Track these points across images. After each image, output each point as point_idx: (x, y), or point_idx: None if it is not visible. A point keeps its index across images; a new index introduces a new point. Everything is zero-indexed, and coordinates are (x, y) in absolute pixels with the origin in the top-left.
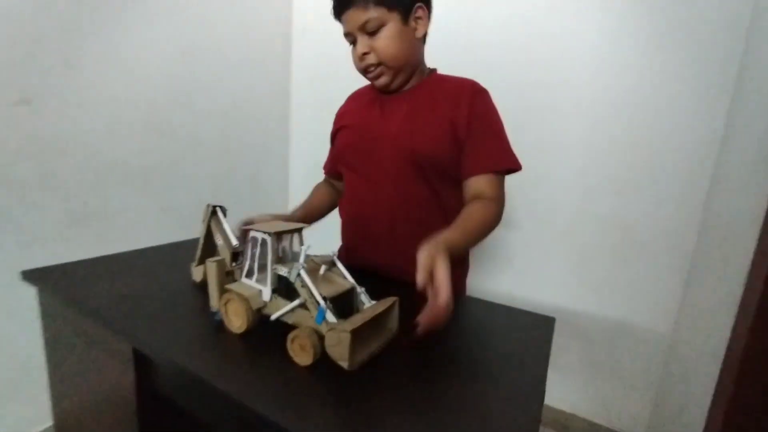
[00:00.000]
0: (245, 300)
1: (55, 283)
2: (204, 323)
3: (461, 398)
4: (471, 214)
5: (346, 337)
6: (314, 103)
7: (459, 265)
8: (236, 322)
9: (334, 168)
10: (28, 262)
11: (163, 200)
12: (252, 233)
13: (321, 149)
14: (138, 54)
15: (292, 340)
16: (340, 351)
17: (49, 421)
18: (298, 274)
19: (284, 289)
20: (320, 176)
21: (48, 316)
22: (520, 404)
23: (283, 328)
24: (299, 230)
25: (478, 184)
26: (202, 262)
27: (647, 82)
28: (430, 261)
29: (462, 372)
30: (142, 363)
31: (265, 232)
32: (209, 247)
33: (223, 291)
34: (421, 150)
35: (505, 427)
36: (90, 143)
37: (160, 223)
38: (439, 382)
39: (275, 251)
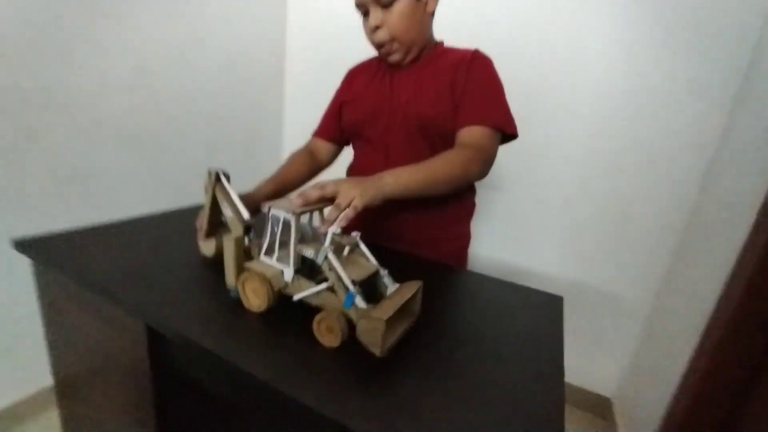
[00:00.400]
0: (266, 280)
1: (52, 254)
2: (219, 300)
3: (484, 379)
4: (440, 158)
5: (381, 325)
6: (310, 65)
7: (460, 237)
8: (255, 301)
9: (331, 134)
10: (13, 225)
11: (155, 162)
12: (273, 211)
13: (316, 112)
14: (130, 5)
15: (319, 323)
16: (372, 338)
17: (43, 382)
18: (326, 257)
19: (308, 269)
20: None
21: (46, 288)
22: (543, 385)
23: (302, 307)
24: (321, 208)
25: (462, 134)
26: (210, 234)
27: (657, 65)
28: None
29: (481, 352)
30: (155, 339)
31: (287, 212)
32: (216, 217)
33: (240, 269)
34: (427, 116)
35: (534, 408)
36: (76, 99)
37: (151, 186)
38: (461, 361)
39: (298, 231)
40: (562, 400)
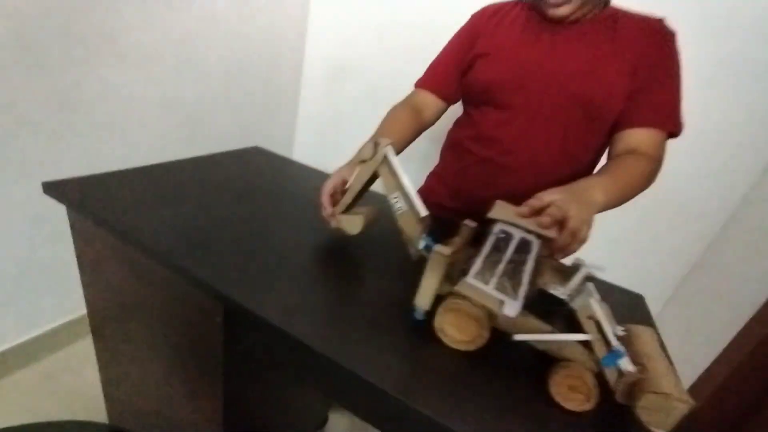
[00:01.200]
0: (485, 314)
1: (93, 206)
2: (364, 305)
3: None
4: (629, 168)
5: (684, 410)
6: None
7: None
8: (458, 334)
9: (447, 87)
10: (15, 152)
11: (168, 88)
12: (502, 226)
13: (340, 43)
14: None
15: (563, 379)
16: (662, 419)
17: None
18: (585, 304)
19: (543, 308)
20: (338, 77)
21: (83, 239)
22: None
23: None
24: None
25: (639, 136)
26: (349, 209)
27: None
28: (565, 219)
29: None
30: (233, 322)
31: (530, 232)
32: (360, 194)
33: (443, 290)
34: (599, 101)
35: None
36: (76, 6)
37: (165, 116)
38: None
39: (538, 258)
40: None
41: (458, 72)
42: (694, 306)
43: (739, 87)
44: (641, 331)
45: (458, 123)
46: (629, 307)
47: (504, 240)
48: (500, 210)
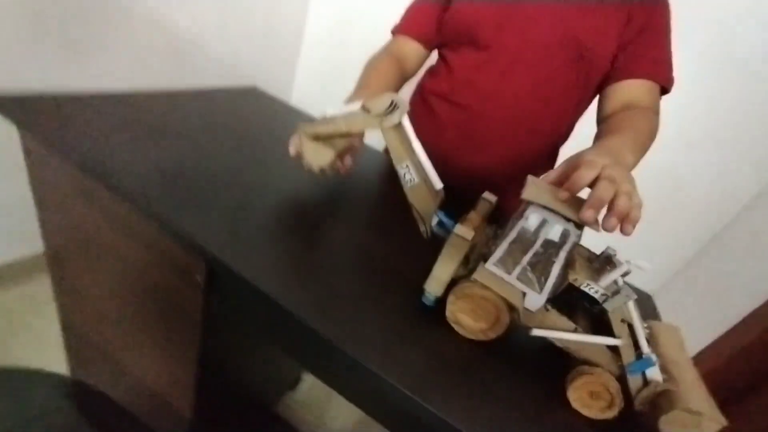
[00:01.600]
0: (506, 305)
1: (49, 129)
2: (354, 265)
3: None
4: (641, 125)
5: (714, 430)
6: None
7: None
8: (475, 323)
9: (428, 32)
10: None
11: (157, 5)
12: (534, 209)
13: None
14: None
15: (582, 385)
16: None
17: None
18: (622, 307)
19: (565, 302)
20: (346, 18)
21: (44, 174)
22: None
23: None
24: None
25: (637, 88)
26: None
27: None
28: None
29: None
30: (215, 281)
31: (568, 220)
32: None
33: (457, 273)
34: (589, 39)
35: None
36: None
37: (151, 37)
38: None
39: (573, 249)
40: None
41: (439, 13)
42: (679, 304)
43: (745, 91)
44: (665, 330)
45: (431, 72)
46: (640, 304)
47: (539, 226)
48: (535, 190)
